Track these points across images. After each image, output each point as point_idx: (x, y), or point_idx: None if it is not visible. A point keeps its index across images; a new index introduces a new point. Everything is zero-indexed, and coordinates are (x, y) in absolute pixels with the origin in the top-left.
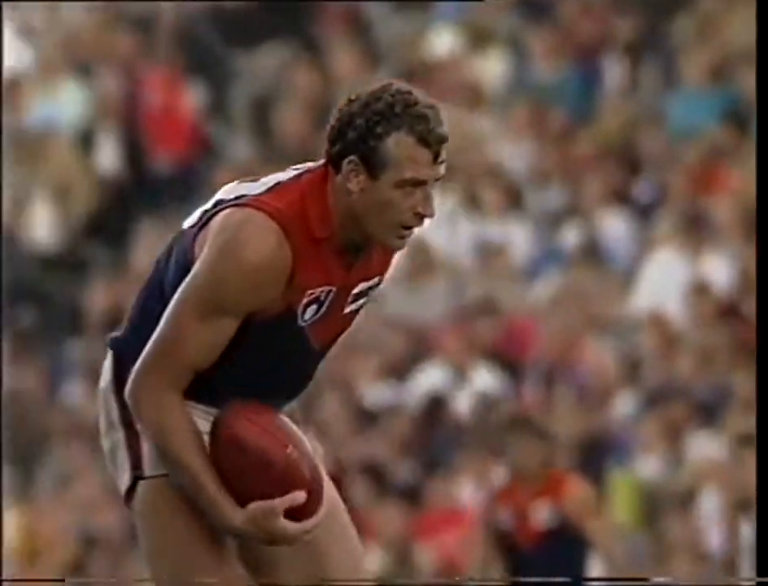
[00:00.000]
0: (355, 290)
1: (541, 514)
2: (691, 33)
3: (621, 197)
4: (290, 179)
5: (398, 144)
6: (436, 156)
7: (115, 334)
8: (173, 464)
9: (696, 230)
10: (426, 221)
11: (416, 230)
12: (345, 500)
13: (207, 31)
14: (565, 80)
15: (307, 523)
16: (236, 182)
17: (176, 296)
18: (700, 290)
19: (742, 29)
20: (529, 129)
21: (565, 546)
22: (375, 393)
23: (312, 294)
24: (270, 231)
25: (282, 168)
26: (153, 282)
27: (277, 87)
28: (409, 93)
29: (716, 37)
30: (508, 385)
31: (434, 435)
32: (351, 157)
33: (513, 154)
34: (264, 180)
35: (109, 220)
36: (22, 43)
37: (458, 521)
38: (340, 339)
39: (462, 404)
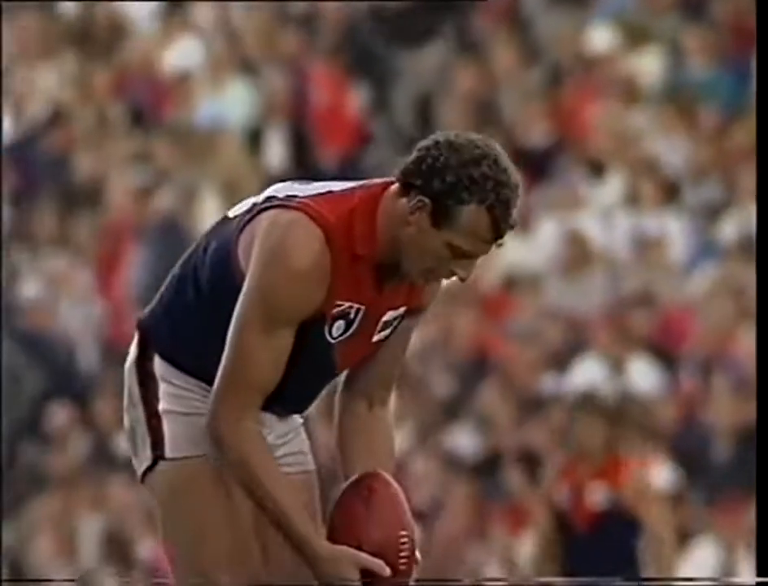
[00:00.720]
0: (385, 318)
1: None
2: None
3: None
4: (343, 190)
5: (472, 216)
6: (498, 238)
7: (145, 312)
8: (259, 496)
9: None
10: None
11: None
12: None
13: (369, 30)
14: (719, 77)
15: None
16: (290, 182)
17: (235, 318)
18: None
19: None
20: (684, 124)
21: (618, 529)
22: (534, 383)
23: (340, 306)
24: (314, 237)
25: None
26: (188, 265)
27: (438, 85)
28: (505, 171)
29: None
30: (664, 377)
31: None
32: (425, 199)
33: (669, 149)
34: (316, 185)
35: None
36: (191, 42)
37: None
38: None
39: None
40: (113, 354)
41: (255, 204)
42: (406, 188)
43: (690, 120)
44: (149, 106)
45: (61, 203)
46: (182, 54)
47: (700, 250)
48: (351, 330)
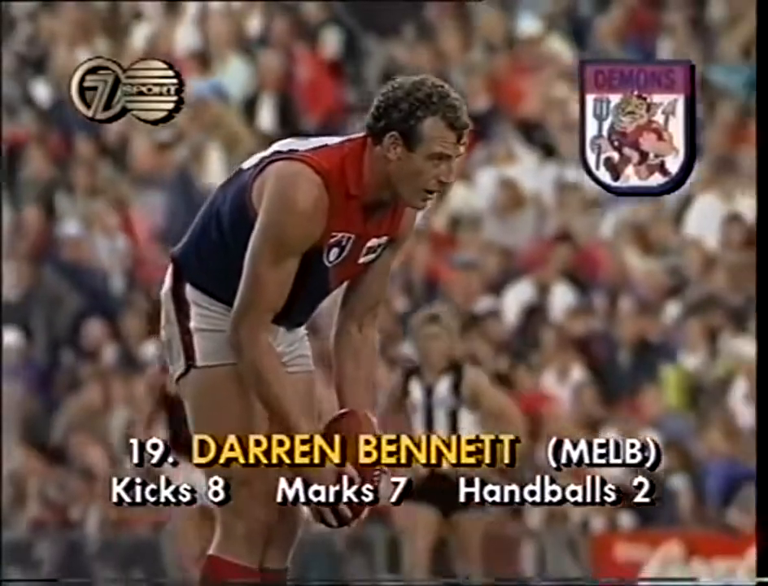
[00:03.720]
0: (369, 244)
1: None
2: None
3: None
4: (336, 143)
5: (432, 126)
6: (459, 138)
7: (177, 248)
8: (266, 398)
9: None
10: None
11: None
12: None
13: (347, 20)
14: (625, 54)
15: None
16: (291, 139)
17: (249, 250)
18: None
19: None
20: None
21: None
22: (475, 304)
23: (335, 237)
24: (314, 182)
25: None
26: (212, 209)
27: (402, 64)
28: (442, 86)
29: None
30: (581, 299)
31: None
32: (393, 132)
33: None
34: (313, 140)
35: None
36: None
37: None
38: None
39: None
40: (136, 280)
41: (263, 158)
42: (376, 136)
43: None
44: None
45: (95, 158)
46: (191, 37)
47: (609, 196)
48: (343, 255)
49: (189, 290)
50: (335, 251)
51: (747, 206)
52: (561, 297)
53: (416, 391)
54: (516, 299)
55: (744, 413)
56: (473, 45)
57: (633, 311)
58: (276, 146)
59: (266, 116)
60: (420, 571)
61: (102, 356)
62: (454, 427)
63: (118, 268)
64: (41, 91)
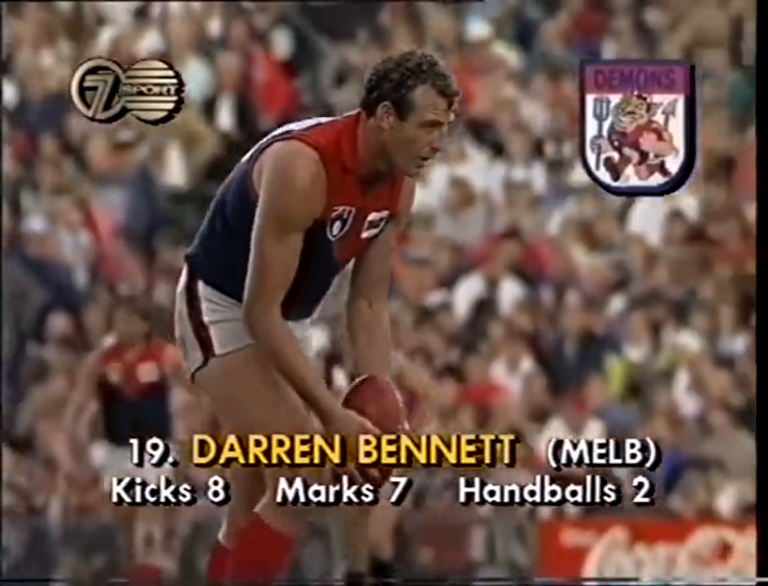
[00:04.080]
0: (370, 218)
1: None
2: None
3: None
4: (329, 121)
5: (423, 94)
6: (450, 105)
7: (189, 248)
8: (285, 368)
9: None
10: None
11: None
12: None
13: (302, 24)
14: (573, 56)
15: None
16: (286, 125)
17: (254, 231)
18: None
19: None
20: (546, 94)
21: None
22: (427, 298)
23: (336, 211)
24: (311, 159)
25: None
26: (217, 207)
27: (354, 67)
28: (432, 57)
29: None
30: (529, 293)
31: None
32: (386, 102)
33: (534, 113)
34: (307, 122)
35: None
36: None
37: None
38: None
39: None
40: (99, 274)
41: (260, 144)
42: (369, 108)
43: (551, 90)
44: None
45: (59, 157)
46: (153, 39)
47: (557, 194)
48: (345, 228)
49: (202, 288)
50: (338, 224)
51: (687, 203)
52: (510, 291)
53: (339, 377)
54: (466, 293)
55: (687, 402)
56: (424, 48)
57: (579, 305)
58: (272, 133)
59: (225, 116)
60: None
61: (66, 348)
62: None
63: (81, 263)
64: (7, 92)
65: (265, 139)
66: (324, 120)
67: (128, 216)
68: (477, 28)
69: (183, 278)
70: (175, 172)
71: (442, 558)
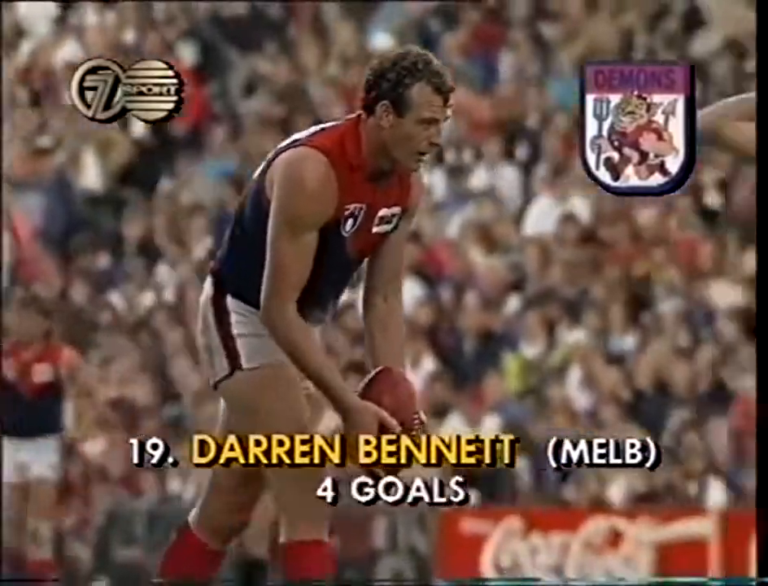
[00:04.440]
0: (380, 214)
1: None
2: None
3: None
4: (331, 125)
5: (419, 92)
6: (446, 101)
7: (213, 265)
8: (302, 363)
9: None
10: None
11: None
12: None
13: (213, 35)
14: (470, 66)
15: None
16: (294, 135)
17: (269, 233)
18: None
19: None
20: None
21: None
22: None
23: (348, 209)
24: (320, 161)
25: None
26: (236, 220)
27: (263, 76)
28: (427, 55)
29: None
30: (429, 293)
31: None
32: (384, 101)
33: None
34: (311, 129)
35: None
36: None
37: None
38: None
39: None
40: (17, 275)
41: (269, 157)
42: (369, 108)
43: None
44: (45, 90)
45: None
46: (70, 49)
47: (456, 199)
48: (357, 225)
49: (230, 301)
50: (350, 222)
51: (580, 207)
52: (410, 291)
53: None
54: None
55: (579, 397)
56: (330, 59)
57: (477, 304)
58: (279, 146)
59: (138, 123)
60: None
61: None
62: None
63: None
64: None
65: (273, 152)
66: (326, 125)
67: (45, 220)
68: (381, 39)
69: (208, 291)
70: (90, 176)
71: (346, 547)
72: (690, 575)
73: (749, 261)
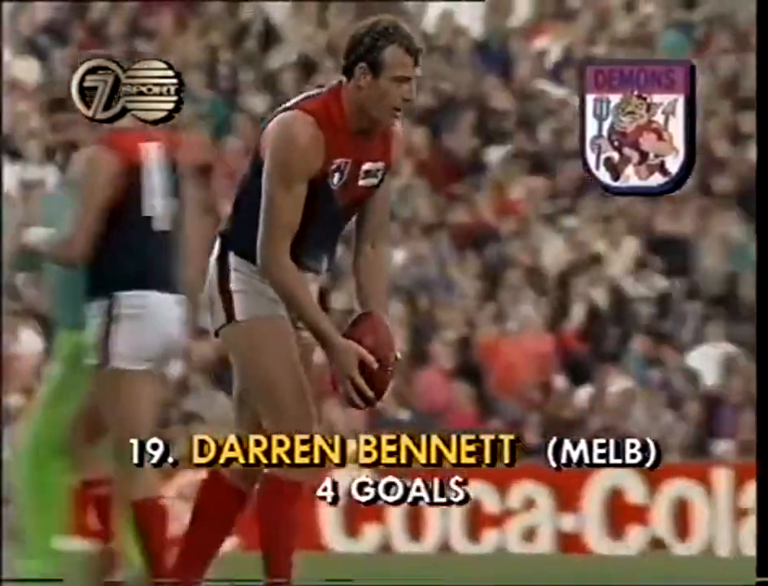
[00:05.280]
0: (365, 167)
1: None
2: None
3: None
4: (316, 92)
5: (392, 53)
6: (416, 61)
7: (221, 227)
8: (295, 305)
9: None
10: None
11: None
12: None
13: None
14: None
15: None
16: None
17: (263, 185)
18: None
19: None
20: None
21: None
22: None
23: (334, 164)
24: (307, 121)
25: None
26: (241, 186)
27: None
28: (396, 21)
29: None
30: None
31: None
32: (361, 64)
33: None
34: (297, 97)
35: None
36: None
37: None
38: None
39: None
40: None
41: (262, 126)
42: (348, 72)
43: None
44: None
45: None
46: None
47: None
48: (344, 178)
49: (232, 259)
50: (337, 176)
51: None
52: None
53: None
54: None
55: None
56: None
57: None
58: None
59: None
60: None
61: None
62: None
63: None
64: None
65: (265, 121)
66: (311, 92)
67: None
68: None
69: (216, 251)
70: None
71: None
72: None
73: None
